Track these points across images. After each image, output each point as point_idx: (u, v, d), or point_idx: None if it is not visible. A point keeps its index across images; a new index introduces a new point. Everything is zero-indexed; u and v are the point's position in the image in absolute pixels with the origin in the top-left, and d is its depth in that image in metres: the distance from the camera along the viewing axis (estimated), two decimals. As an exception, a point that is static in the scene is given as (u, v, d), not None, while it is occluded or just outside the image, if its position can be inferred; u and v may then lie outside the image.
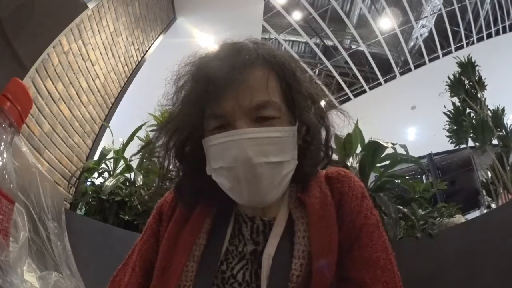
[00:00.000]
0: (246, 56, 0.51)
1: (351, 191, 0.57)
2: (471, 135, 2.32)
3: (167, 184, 0.61)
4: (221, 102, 0.50)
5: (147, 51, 3.28)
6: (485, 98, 2.48)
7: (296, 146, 0.54)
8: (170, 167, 0.58)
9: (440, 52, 7.80)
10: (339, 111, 0.60)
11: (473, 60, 2.56)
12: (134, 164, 2.25)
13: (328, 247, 0.51)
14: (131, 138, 2.30)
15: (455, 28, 8.03)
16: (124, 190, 2.04)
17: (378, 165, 1.81)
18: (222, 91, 0.50)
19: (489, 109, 2.42)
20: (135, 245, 0.63)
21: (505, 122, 2.35)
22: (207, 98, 0.51)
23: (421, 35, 8.15)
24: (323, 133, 0.58)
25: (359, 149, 1.82)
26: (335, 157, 0.62)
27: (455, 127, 2.46)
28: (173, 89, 0.57)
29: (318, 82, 0.63)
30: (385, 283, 0.51)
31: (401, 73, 8.01)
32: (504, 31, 7.87)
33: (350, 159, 1.74)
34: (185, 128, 0.54)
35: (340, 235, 0.54)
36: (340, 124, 0.60)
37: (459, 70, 2.58)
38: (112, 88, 2.64)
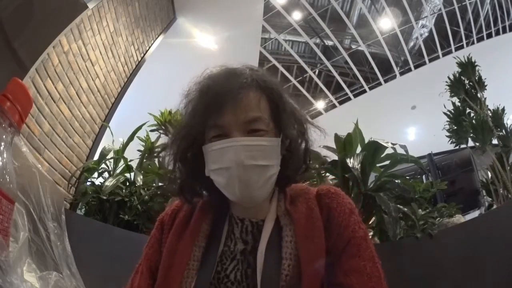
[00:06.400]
0: (244, 80, 0.63)
1: (339, 206, 0.64)
2: (471, 135, 2.32)
3: (173, 186, 0.69)
4: (222, 115, 0.61)
5: (147, 51, 3.28)
6: (485, 98, 2.48)
7: (280, 155, 0.64)
8: (176, 172, 0.68)
9: (440, 52, 7.79)
10: (316, 128, 0.70)
11: (473, 60, 2.56)
12: (134, 164, 2.26)
13: (314, 255, 0.58)
14: (131, 138, 2.31)
15: (455, 28, 8.03)
16: (124, 190, 2.04)
17: (378, 165, 1.81)
18: (223, 107, 0.61)
19: (489, 109, 2.42)
20: (143, 254, 0.70)
21: (505, 122, 2.34)
22: (210, 112, 0.61)
23: (421, 35, 8.14)
24: (303, 145, 0.68)
25: (359, 149, 1.81)
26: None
27: (455, 127, 2.46)
28: (183, 103, 0.68)
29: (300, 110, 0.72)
30: None
31: (401, 73, 7.99)
32: (504, 31, 7.86)
33: (351, 160, 1.74)
34: (190, 136, 0.64)
35: (328, 246, 0.60)
36: (317, 138, 0.71)
37: (459, 70, 2.58)
38: (112, 88, 2.64)
